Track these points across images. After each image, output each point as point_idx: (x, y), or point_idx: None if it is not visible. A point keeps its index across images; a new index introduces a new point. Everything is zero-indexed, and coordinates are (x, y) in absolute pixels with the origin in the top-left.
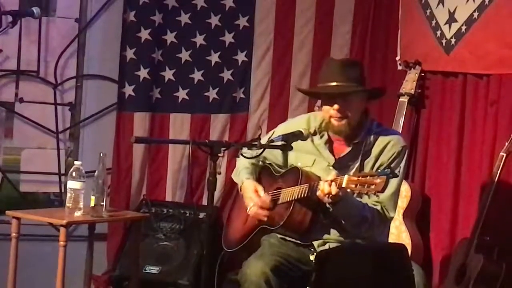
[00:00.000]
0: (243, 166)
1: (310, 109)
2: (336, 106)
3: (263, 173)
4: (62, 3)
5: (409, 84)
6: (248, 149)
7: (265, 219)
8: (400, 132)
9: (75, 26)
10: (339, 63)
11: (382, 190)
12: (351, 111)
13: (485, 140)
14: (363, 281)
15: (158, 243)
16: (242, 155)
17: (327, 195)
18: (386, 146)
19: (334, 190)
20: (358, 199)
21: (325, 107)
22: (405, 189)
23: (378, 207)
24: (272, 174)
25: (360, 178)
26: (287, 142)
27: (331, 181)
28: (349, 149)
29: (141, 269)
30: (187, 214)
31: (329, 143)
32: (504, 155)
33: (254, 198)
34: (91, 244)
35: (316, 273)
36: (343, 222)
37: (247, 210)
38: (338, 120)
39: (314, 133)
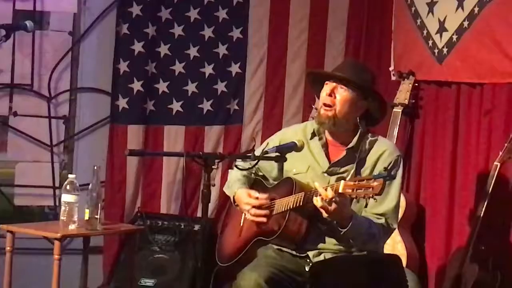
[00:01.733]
0: (235, 178)
1: (305, 120)
2: (327, 87)
3: (255, 187)
4: (55, 17)
5: (403, 95)
6: (242, 160)
7: (265, 220)
8: (395, 142)
9: (68, 39)
10: (352, 62)
11: (380, 193)
12: (341, 103)
13: (480, 150)
14: None
15: (153, 256)
16: (236, 166)
17: (323, 199)
18: (382, 155)
19: (330, 194)
20: (364, 215)
21: (321, 93)
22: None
23: (382, 221)
24: (264, 186)
25: (357, 182)
26: (281, 153)
27: (328, 186)
28: (343, 154)
29: (136, 281)
30: (182, 227)
31: (326, 146)
32: (499, 164)
33: (250, 201)
34: (86, 257)
35: (310, 285)
36: (351, 241)
37: (245, 216)
38: (325, 109)
39: (313, 135)
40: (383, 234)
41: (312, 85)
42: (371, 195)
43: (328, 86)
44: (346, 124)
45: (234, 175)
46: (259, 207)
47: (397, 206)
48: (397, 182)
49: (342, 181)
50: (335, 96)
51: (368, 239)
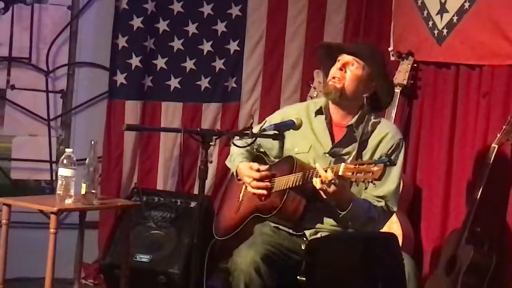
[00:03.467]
0: (238, 152)
1: (303, 99)
2: (339, 62)
3: (257, 162)
4: None
5: (401, 75)
6: (240, 138)
7: (266, 192)
8: (392, 123)
9: (67, 13)
10: (366, 43)
11: (379, 178)
12: (351, 79)
13: (477, 131)
14: (353, 270)
15: (149, 232)
16: (233, 143)
17: (322, 181)
18: (384, 138)
19: (330, 176)
20: (364, 197)
21: (332, 68)
22: None
23: (382, 203)
24: (266, 163)
25: (357, 166)
26: (279, 131)
27: (328, 168)
28: (344, 132)
29: (131, 257)
30: (179, 203)
31: (330, 125)
32: (496, 146)
33: (251, 173)
34: (81, 232)
35: (306, 262)
36: (350, 223)
37: (247, 189)
38: (333, 81)
39: (317, 113)
40: (383, 217)
41: (323, 59)
42: (370, 180)
43: (341, 61)
44: (352, 101)
45: (237, 149)
46: (260, 179)
47: (397, 189)
48: (398, 165)
49: (343, 164)
50: (346, 71)
51: (366, 222)
